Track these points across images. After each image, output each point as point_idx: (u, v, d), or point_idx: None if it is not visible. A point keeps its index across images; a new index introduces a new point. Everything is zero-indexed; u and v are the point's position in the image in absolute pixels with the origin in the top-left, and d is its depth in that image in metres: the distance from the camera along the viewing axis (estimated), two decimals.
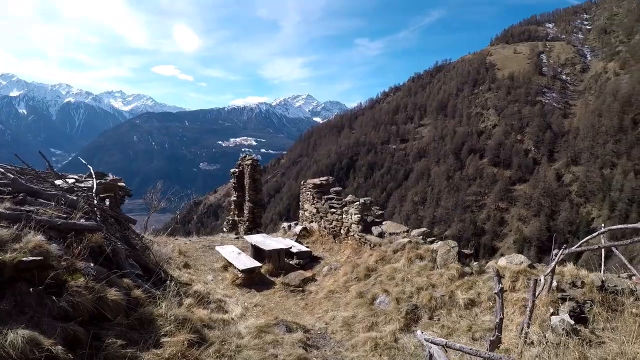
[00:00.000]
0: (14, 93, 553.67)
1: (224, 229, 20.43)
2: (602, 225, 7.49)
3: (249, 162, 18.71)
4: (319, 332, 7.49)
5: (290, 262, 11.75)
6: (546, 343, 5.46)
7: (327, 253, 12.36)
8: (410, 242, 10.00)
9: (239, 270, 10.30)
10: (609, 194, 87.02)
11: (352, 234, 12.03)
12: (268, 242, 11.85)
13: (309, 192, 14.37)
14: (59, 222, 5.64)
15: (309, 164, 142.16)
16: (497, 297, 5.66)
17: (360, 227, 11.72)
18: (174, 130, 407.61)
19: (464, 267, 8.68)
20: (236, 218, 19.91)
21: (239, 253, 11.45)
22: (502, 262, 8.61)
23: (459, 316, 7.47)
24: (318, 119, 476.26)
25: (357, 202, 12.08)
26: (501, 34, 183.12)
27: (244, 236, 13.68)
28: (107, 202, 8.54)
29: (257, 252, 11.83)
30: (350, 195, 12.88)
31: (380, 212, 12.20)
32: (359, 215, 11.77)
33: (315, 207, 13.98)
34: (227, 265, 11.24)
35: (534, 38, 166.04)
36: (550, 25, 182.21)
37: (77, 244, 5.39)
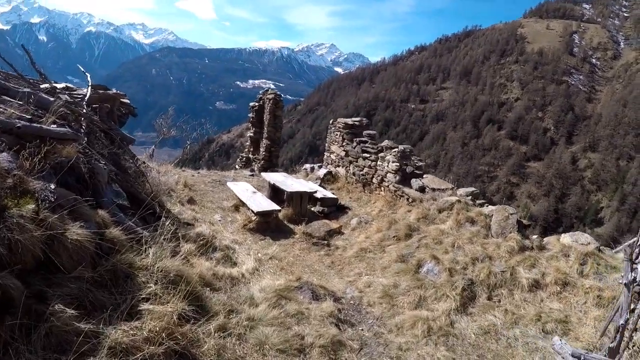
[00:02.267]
0: (35, 19, 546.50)
1: (237, 166, 18.85)
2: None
3: (272, 96, 16.86)
4: (351, 301, 5.88)
5: (313, 210, 10.11)
6: None
7: (355, 203, 10.67)
8: (459, 201, 8.25)
9: (252, 212, 8.66)
10: (622, 186, 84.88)
11: (386, 184, 10.28)
12: (289, 182, 10.14)
13: (339, 133, 12.54)
14: (18, 125, 3.93)
15: (325, 113, 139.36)
16: (625, 289, 3.97)
17: (397, 177, 9.95)
18: (193, 66, 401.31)
19: (524, 239, 7.01)
20: (251, 155, 18.29)
21: (254, 192, 9.79)
22: (565, 239, 7.01)
23: (522, 300, 5.88)
24: (339, 69, 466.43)
25: (396, 149, 10.27)
26: (536, 8, 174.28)
27: (262, 174, 11.95)
28: (99, 114, 6.80)
29: (275, 194, 10.17)
30: (386, 140, 11.04)
31: (421, 163, 10.37)
32: (398, 164, 9.98)
33: (344, 150, 12.19)
34: (239, 205, 9.63)
35: (569, 17, 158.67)
36: (587, 6, 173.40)
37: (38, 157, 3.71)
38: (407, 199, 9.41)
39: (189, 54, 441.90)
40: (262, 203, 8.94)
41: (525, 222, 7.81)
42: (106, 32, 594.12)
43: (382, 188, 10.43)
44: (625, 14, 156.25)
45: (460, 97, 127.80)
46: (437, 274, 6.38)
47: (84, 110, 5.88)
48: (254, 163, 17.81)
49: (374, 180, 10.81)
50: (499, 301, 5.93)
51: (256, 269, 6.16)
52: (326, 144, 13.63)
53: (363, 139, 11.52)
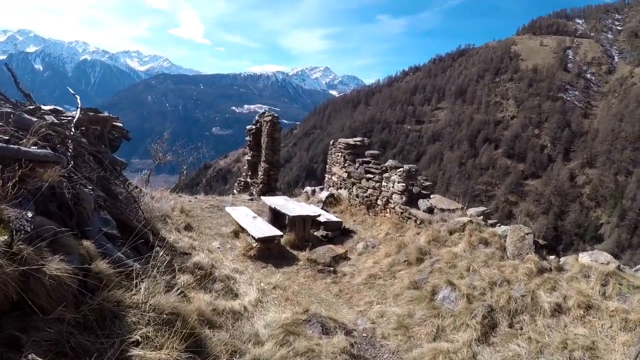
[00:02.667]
0: (31, 49, 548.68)
1: (235, 191, 18.41)
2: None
3: (269, 118, 16.51)
4: (364, 334, 5.40)
5: (316, 234, 9.66)
6: None
7: (360, 226, 10.23)
8: (471, 222, 7.83)
9: (253, 238, 8.20)
10: (621, 201, 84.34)
11: (392, 206, 9.87)
12: (290, 206, 9.71)
13: (340, 154, 12.18)
14: None
15: (321, 137, 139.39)
16: None
17: (403, 198, 9.54)
18: (188, 93, 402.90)
19: (542, 260, 6.58)
20: (249, 180, 17.86)
21: (254, 217, 9.34)
22: (584, 259, 6.58)
23: (545, 326, 5.41)
24: (334, 92, 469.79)
25: (401, 169, 9.89)
26: (528, 24, 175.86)
27: (262, 198, 11.51)
28: (86, 137, 6.39)
29: (276, 218, 9.74)
30: (390, 159, 10.66)
31: (428, 183, 9.97)
32: (404, 184, 9.58)
33: (346, 172, 11.81)
34: (238, 231, 9.19)
35: (562, 32, 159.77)
36: (580, 21, 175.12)
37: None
38: (415, 221, 8.99)
39: (184, 80, 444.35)
40: (262, 228, 8.49)
41: (541, 242, 7.40)
42: (102, 60, 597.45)
43: (388, 210, 10.02)
44: (619, 27, 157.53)
45: (456, 116, 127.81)
46: (454, 301, 5.91)
47: (71, 132, 5.47)
48: (252, 187, 17.38)
49: (379, 202, 10.41)
50: (521, 328, 5.47)
51: (259, 301, 5.67)
52: (327, 166, 13.26)
53: (366, 159, 11.17)
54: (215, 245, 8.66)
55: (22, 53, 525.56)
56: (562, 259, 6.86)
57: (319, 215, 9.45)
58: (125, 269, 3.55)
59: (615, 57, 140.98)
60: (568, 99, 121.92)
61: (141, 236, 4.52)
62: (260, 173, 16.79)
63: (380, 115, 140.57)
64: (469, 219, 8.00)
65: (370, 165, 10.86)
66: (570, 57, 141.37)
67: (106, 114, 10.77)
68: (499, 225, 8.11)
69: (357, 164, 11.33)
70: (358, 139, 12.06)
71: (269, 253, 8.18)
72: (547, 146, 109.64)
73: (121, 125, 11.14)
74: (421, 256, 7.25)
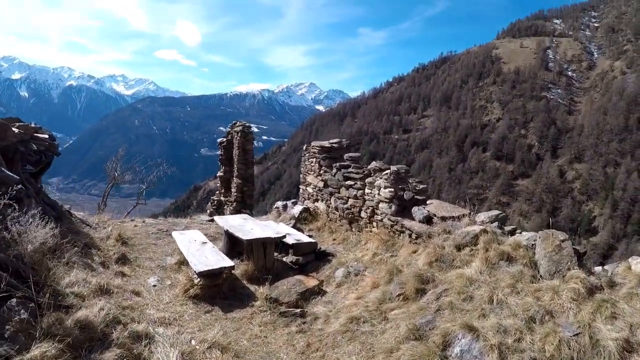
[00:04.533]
0: (16, 76, 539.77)
1: (208, 211, 16.35)
2: None
3: (239, 128, 14.50)
4: None
5: (284, 259, 7.58)
6: None
7: (341, 246, 8.15)
8: (485, 231, 5.77)
9: (195, 272, 6.09)
10: (612, 192, 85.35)
11: (379, 217, 7.81)
12: (249, 227, 7.57)
13: (314, 159, 10.15)
14: None
15: None
16: None
17: (393, 207, 7.48)
18: (175, 115, 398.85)
19: (589, 275, 4.58)
20: (222, 198, 15.78)
21: (203, 243, 7.25)
22: (638, 267, 4.56)
23: None
24: (321, 107, 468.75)
25: (388, 171, 7.84)
26: (508, 28, 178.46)
27: (215, 218, 9.30)
28: None
29: (234, 244, 7.65)
30: (374, 162, 8.59)
31: (422, 186, 7.90)
32: (392, 190, 7.53)
33: (322, 180, 9.75)
34: (183, 262, 7.07)
35: (541, 33, 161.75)
36: (558, 21, 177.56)
37: None
38: (410, 235, 6.92)
39: (170, 103, 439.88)
40: (209, 259, 6.39)
41: (579, 249, 5.41)
42: (87, 85, 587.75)
43: (375, 223, 7.96)
44: (596, 25, 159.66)
45: (442, 123, 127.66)
46: (479, 357, 3.84)
47: None
48: (225, 206, 15.35)
49: (363, 214, 8.34)
50: None
51: None
52: (301, 175, 11.22)
53: (344, 163, 9.11)
54: (150, 283, 6.59)
55: (7, 80, 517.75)
56: (609, 268, 4.92)
57: (284, 237, 7.30)
58: None
59: (595, 54, 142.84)
60: (551, 97, 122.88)
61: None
62: (233, 190, 14.78)
63: (367, 127, 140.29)
64: (481, 227, 5.94)
65: (350, 170, 8.80)
66: (550, 56, 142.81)
67: (33, 124, 8.82)
68: (520, 232, 6.10)
69: (334, 170, 9.28)
70: (335, 140, 10.04)
71: (216, 291, 6.10)
72: (535, 145, 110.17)
73: (46, 136, 9.06)
74: (422, 285, 5.15)
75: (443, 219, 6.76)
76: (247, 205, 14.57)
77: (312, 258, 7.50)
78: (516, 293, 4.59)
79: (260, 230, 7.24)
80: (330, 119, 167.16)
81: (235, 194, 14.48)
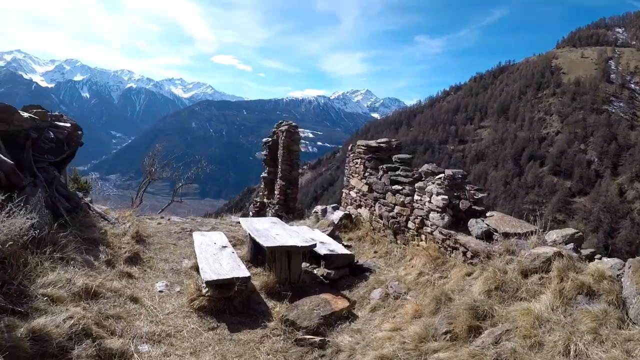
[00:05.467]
0: (78, 77, 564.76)
1: (250, 213, 15.64)
2: None
3: (285, 127, 13.70)
4: None
5: (315, 272, 6.52)
6: None
7: (382, 261, 6.98)
8: (560, 255, 4.47)
9: (203, 280, 5.14)
10: None
11: (429, 230, 6.60)
12: (275, 232, 6.54)
13: (359, 160, 9.05)
14: None
15: None
16: None
17: (446, 218, 6.26)
18: (232, 118, 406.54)
19: None
20: (265, 200, 15.00)
21: (223, 247, 6.31)
22: None
23: None
24: (376, 115, 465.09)
25: (442, 175, 6.64)
26: (568, 37, 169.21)
27: (241, 220, 8.28)
28: None
29: (259, 250, 6.63)
30: (426, 165, 7.39)
31: (482, 194, 6.63)
32: (446, 197, 6.32)
33: (366, 184, 8.64)
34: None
35: (603, 42, 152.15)
36: (620, 30, 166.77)
37: None
38: (465, 254, 5.70)
39: (227, 107, 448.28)
40: (222, 266, 5.44)
41: None
42: (146, 88, 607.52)
43: (423, 236, 6.76)
44: None
45: (499, 134, 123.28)
46: None
47: None
48: (267, 208, 14.56)
49: (410, 224, 7.15)
50: None
51: None
52: (345, 177, 10.15)
53: (392, 165, 7.96)
54: (157, 288, 5.74)
55: (69, 81, 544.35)
56: None
57: (313, 246, 6.22)
58: None
59: None
60: (613, 110, 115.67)
61: None
62: (276, 192, 13.98)
63: (422, 136, 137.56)
64: (555, 249, 4.64)
65: (398, 173, 7.64)
66: (612, 67, 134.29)
67: (59, 112, 8.27)
68: (600, 258, 4.79)
69: (380, 172, 8.14)
70: (383, 139, 8.91)
71: (227, 304, 5.12)
72: (594, 161, 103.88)
73: (67, 125, 8.44)
74: (476, 322, 3.93)
75: (506, 235, 5.50)
76: (289, 208, 13.75)
77: (347, 273, 6.38)
78: (600, 342, 3.35)
79: (287, 237, 6.19)
80: (386, 127, 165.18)
81: (278, 196, 13.73)
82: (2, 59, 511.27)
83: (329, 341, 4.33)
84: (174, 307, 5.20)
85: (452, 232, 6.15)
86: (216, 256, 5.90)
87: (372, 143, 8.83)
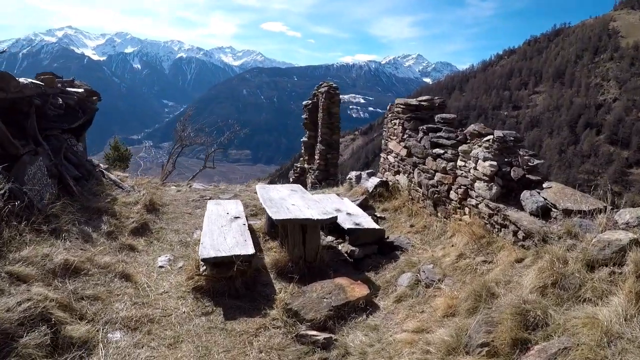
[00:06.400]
0: (129, 50, 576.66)
1: (290, 179, 15.01)
2: None
3: (324, 89, 12.83)
4: None
5: (340, 248, 5.69)
6: None
7: (418, 236, 6.03)
8: (637, 243, 3.36)
9: (200, 258, 4.43)
10: None
11: (474, 201, 5.58)
12: (291, 201, 5.69)
13: (398, 120, 8.02)
14: None
15: None
16: None
17: (494, 189, 5.22)
18: (282, 85, 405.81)
19: None
20: (306, 165, 14.28)
21: (235, 219, 5.57)
22: None
23: None
24: (428, 80, 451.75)
25: (490, 136, 5.55)
26: None
27: (257, 187, 7.40)
28: None
29: (274, 223, 5.85)
30: (472, 125, 6.28)
31: (538, 160, 5.48)
32: (494, 164, 5.26)
33: (405, 147, 7.63)
34: None
35: None
36: None
37: None
38: (515, 233, 4.68)
39: (277, 73, 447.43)
40: (226, 241, 4.71)
41: None
42: (197, 57, 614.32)
43: (467, 209, 5.75)
44: None
45: (554, 101, 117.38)
46: None
47: None
48: (308, 174, 13.85)
49: (452, 194, 6.13)
50: None
51: None
52: (382, 141, 9.17)
53: (433, 126, 6.90)
54: (159, 263, 5.11)
55: (120, 54, 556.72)
56: None
57: (332, 219, 5.27)
58: None
59: None
60: None
61: None
62: (316, 157, 13.23)
63: (475, 101, 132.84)
64: (631, 236, 3.52)
65: (439, 134, 6.57)
66: None
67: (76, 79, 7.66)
68: None
69: (420, 134, 7.10)
70: (424, 97, 7.82)
71: (227, 285, 4.38)
72: None
73: (79, 91, 7.85)
74: (523, 333, 2.92)
75: (567, 213, 4.40)
76: (330, 174, 13.02)
77: (374, 250, 5.48)
78: None
79: (303, 208, 5.34)
80: (438, 92, 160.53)
81: (318, 161, 13.04)
82: (54, 35, 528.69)
83: (336, 340, 3.50)
84: (170, 286, 4.55)
85: (501, 206, 5.11)
86: (224, 228, 5.16)
87: (412, 101, 7.76)
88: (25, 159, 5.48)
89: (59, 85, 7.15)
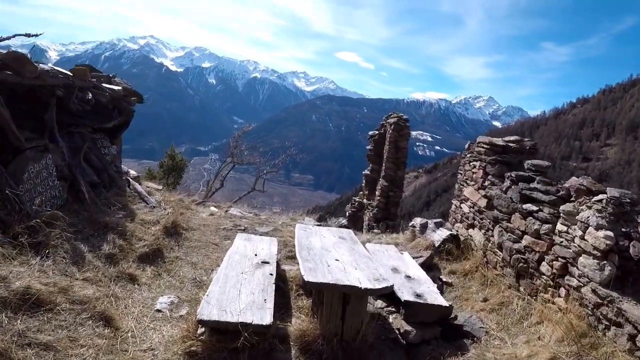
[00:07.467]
0: (206, 64, 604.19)
1: (347, 213, 13.86)
2: None
3: (394, 120, 11.66)
4: None
5: (389, 319, 4.38)
6: None
7: (493, 317, 4.60)
8: None
9: (197, 317, 3.26)
10: None
11: (574, 282, 4.12)
12: (336, 255, 4.39)
13: (478, 162, 6.66)
14: None
15: None
16: None
17: (607, 270, 3.77)
18: (352, 115, 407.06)
19: None
20: (365, 200, 13.04)
21: (262, 264, 4.42)
22: None
23: None
24: (497, 124, 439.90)
25: (604, 196, 4.10)
26: None
27: (297, 226, 5.70)
28: None
29: None
30: (574, 177, 4.82)
31: None
32: (611, 235, 3.81)
33: (485, 197, 6.22)
34: None
35: None
36: None
37: None
38: (632, 338, 3.22)
39: (348, 103, 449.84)
40: (239, 296, 3.54)
41: None
42: (270, 79, 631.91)
43: (564, 289, 4.29)
44: None
45: (626, 155, 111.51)
46: None
47: None
48: (366, 210, 12.59)
49: (544, 267, 4.68)
50: None
51: None
52: (456, 185, 7.79)
53: (524, 174, 5.49)
54: (159, 304, 4.08)
55: (197, 67, 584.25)
56: None
57: (387, 289, 3.78)
58: None
59: None
60: None
61: None
62: (377, 193, 12.04)
63: (544, 149, 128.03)
64: None
65: (533, 186, 5.16)
66: None
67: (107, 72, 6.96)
68: None
69: (506, 183, 5.70)
70: (512, 137, 6.45)
71: (230, 357, 3.19)
72: None
73: (116, 88, 7.05)
74: None
75: None
76: (390, 213, 11.78)
77: (436, 334, 4.09)
78: None
79: (349, 267, 4.01)
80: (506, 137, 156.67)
81: (378, 197, 11.81)
82: (137, 43, 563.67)
83: None
84: (160, 341, 3.43)
85: (615, 294, 3.67)
86: (243, 276, 4.01)
87: (498, 141, 6.40)
88: (29, 155, 4.67)
89: (93, 80, 6.35)
